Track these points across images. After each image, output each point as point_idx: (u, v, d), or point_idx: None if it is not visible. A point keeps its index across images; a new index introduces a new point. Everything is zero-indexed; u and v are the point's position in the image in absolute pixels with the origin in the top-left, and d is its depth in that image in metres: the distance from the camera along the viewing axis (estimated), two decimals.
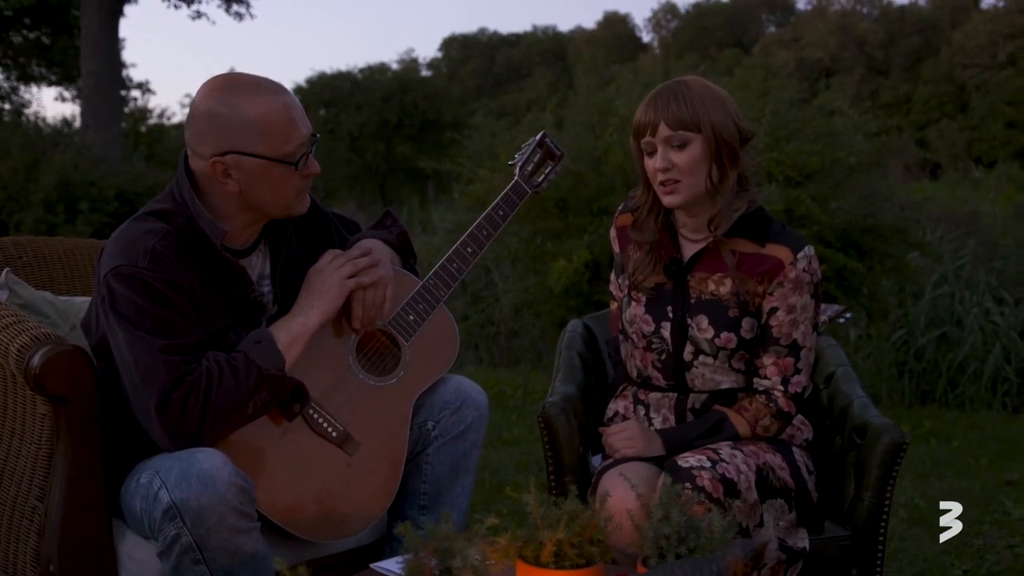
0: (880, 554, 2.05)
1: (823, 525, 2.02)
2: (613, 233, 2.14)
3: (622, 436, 1.96)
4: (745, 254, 1.95)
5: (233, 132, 1.77)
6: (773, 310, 1.93)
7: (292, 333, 1.84)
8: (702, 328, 1.95)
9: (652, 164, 1.93)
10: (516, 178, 2.12)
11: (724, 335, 1.94)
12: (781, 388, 1.94)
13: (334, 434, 1.88)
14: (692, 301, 1.97)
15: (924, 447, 4.39)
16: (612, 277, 2.19)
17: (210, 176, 1.80)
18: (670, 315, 1.98)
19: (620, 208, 2.13)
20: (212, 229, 1.81)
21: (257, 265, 1.94)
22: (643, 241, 2.02)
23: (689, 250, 2.00)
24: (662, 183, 1.92)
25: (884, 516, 2.04)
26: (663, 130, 1.89)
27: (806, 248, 1.94)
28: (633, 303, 2.04)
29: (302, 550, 1.89)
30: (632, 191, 2.10)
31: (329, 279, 1.90)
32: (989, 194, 9.32)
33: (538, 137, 2.16)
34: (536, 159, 2.14)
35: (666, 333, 1.99)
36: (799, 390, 1.96)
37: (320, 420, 1.87)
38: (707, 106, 1.89)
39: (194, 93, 1.85)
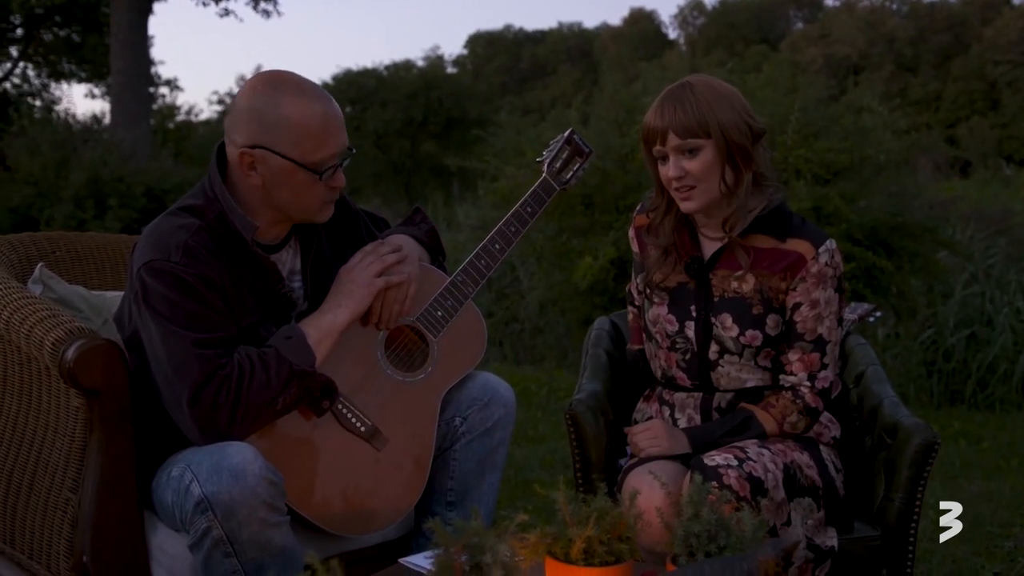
0: (911, 555, 2.03)
1: (852, 524, 2.01)
2: (632, 233, 2.13)
3: (647, 435, 1.95)
4: (766, 250, 1.94)
5: (268, 128, 1.78)
6: (796, 305, 1.92)
7: (322, 330, 1.85)
8: (726, 326, 1.94)
9: (665, 171, 1.92)
10: (544, 175, 2.12)
11: (749, 333, 1.93)
12: (808, 384, 1.93)
13: (362, 429, 1.89)
14: (715, 299, 1.96)
15: (954, 448, 4.34)
16: (632, 279, 2.17)
17: (237, 166, 1.82)
18: (694, 314, 1.97)
19: (637, 209, 2.12)
20: (243, 224, 1.82)
21: (288, 261, 1.95)
22: (658, 244, 2.02)
23: (709, 248, 1.99)
24: (677, 189, 1.92)
25: (915, 517, 2.02)
26: (672, 139, 1.88)
27: (828, 242, 1.92)
28: (656, 302, 2.03)
29: (328, 545, 1.90)
30: (649, 191, 2.09)
31: (358, 277, 1.91)
32: (1020, 192, 9.20)
33: (566, 134, 2.16)
34: (564, 156, 2.14)
35: (690, 332, 1.98)
36: (826, 385, 1.95)
37: (348, 415, 1.88)
38: (714, 108, 1.87)
39: (226, 89, 1.87)
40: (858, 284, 4.88)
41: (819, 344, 1.93)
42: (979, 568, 2.88)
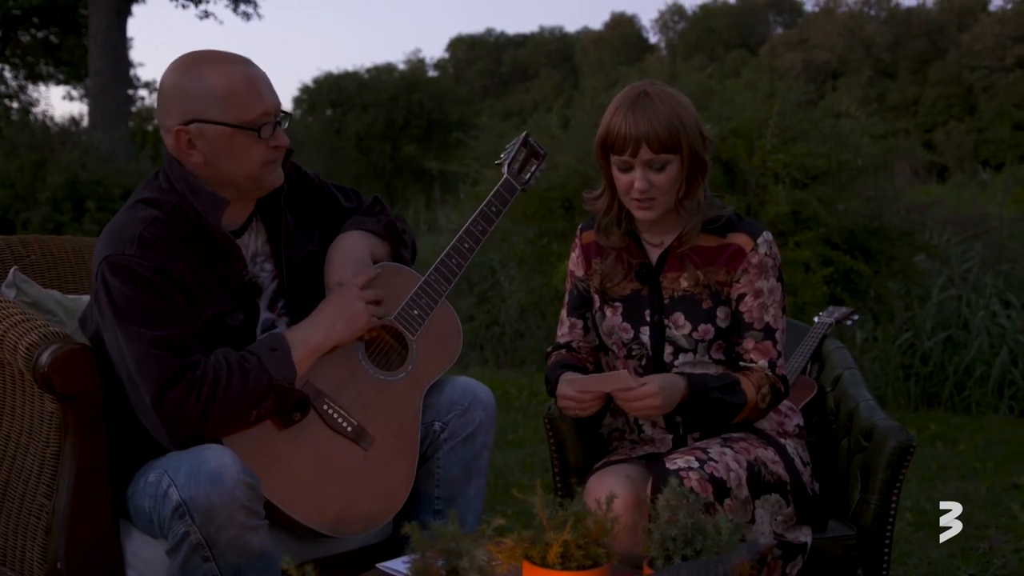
0: (886, 556, 2.04)
1: (826, 522, 2.02)
2: (577, 253, 2.12)
3: (640, 405, 1.86)
4: (708, 248, 1.96)
5: (196, 101, 1.78)
6: (741, 296, 1.95)
7: (308, 349, 1.84)
8: (679, 325, 1.96)
9: (627, 180, 1.91)
10: (505, 175, 2.18)
11: (701, 327, 1.96)
12: (770, 371, 1.95)
13: (349, 429, 1.89)
14: (666, 302, 1.98)
15: (930, 450, 4.38)
16: (563, 316, 2.15)
17: (178, 150, 1.81)
18: (648, 319, 1.99)
19: (582, 226, 2.13)
20: (212, 202, 1.81)
21: (251, 244, 1.94)
22: (611, 247, 2.03)
23: (654, 253, 2.01)
24: (637, 200, 1.91)
25: (890, 519, 2.03)
26: (645, 153, 1.88)
27: (764, 233, 1.96)
28: (608, 314, 2.04)
29: (306, 549, 1.89)
30: (588, 191, 2.09)
31: (361, 315, 1.89)
32: (996, 197, 9.26)
33: (522, 137, 2.23)
34: (521, 158, 2.21)
35: (645, 338, 1.99)
36: (785, 373, 1.99)
37: (335, 415, 1.88)
38: (684, 122, 1.88)
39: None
40: (836, 288, 4.91)
41: (769, 332, 1.96)
42: (954, 569, 2.90)
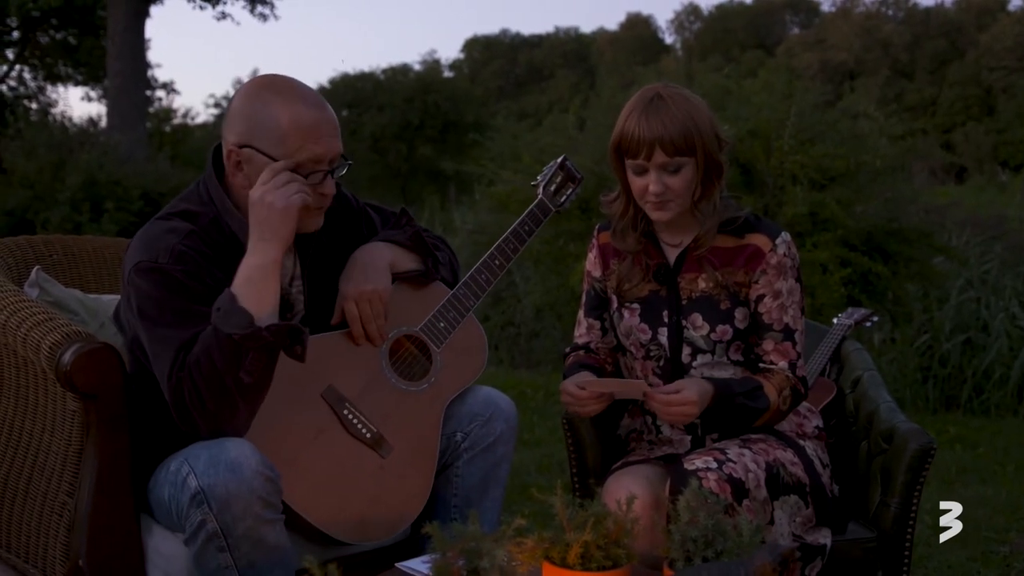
0: (907, 560, 2.03)
1: (846, 524, 2.01)
2: (594, 253, 2.11)
3: (677, 411, 1.86)
4: (727, 248, 1.96)
5: (255, 128, 1.78)
6: (760, 297, 1.95)
7: (253, 282, 1.70)
8: (697, 326, 1.96)
9: (642, 183, 1.91)
10: (540, 196, 2.19)
11: (720, 328, 1.95)
12: (790, 373, 1.95)
13: (368, 435, 1.89)
14: (684, 302, 1.98)
15: (949, 453, 4.35)
16: (580, 317, 2.15)
17: (228, 166, 1.82)
18: (666, 320, 1.99)
19: (599, 227, 2.13)
20: (242, 227, 1.81)
21: (289, 267, 1.94)
22: (627, 250, 2.03)
23: (672, 254, 2.01)
24: (652, 202, 1.92)
25: (911, 522, 2.02)
26: (659, 156, 1.87)
27: (783, 234, 1.96)
28: (626, 315, 2.03)
29: (325, 550, 1.90)
30: (604, 193, 2.09)
31: (275, 201, 1.71)
32: (1015, 198, 9.21)
33: (559, 160, 2.24)
34: (558, 180, 2.22)
35: (663, 339, 1.99)
36: (805, 375, 1.98)
37: (354, 421, 1.88)
38: (698, 125, 1.87)
39: (223, 92, 1.88)
40: (854, 289, 4.89)
41: (788, 334, 1.95)
42: (975, 573, 2.88)
